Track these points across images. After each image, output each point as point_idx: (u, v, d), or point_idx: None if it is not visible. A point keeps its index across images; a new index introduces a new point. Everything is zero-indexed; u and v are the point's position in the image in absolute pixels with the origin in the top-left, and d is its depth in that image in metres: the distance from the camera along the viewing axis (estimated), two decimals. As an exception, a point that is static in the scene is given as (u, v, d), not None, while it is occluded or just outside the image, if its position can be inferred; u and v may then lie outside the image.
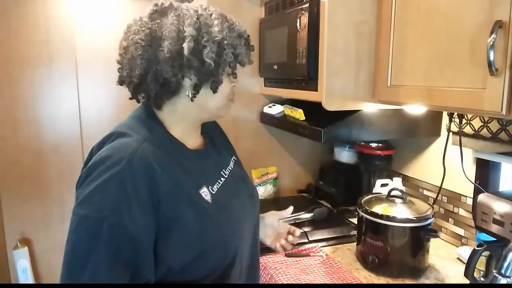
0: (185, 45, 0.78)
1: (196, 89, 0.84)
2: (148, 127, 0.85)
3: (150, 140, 0.82)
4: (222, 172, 0.95)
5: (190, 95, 0.84)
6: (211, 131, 1.03)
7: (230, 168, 1.00)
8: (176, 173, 0.81)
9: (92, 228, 0.72)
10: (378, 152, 1.70)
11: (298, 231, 1.15)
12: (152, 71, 0.80)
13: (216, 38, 0.80)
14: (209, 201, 0.85)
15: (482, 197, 1.07)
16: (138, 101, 0.90)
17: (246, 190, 1.02)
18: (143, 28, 0.81)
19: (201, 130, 0.98)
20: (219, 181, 0.92)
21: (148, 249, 0.76)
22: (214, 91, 0.84)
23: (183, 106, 0.87)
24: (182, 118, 0.89)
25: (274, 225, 1.16)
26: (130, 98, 0.90)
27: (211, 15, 0.83)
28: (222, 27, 0.82)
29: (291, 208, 1.17)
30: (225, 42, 0.82)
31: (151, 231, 0.76)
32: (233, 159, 1.05)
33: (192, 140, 0.92)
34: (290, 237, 1.13)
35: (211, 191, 0.87)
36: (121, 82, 0.88)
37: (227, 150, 1.06)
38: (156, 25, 0.81)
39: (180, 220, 0.79)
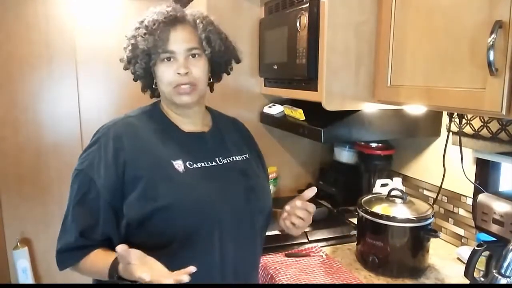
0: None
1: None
2: (144, 110, 1.02)
3: (137, 117, 0.99)
4: (216, 158, 1.00)
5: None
6: (227, 128, 1.11)
7: (231, 160, 1.03)
8: (151, 143, 0.95)
9: (75, 178, 0.94)
10: (378, 152, 1.70)
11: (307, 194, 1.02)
12: None
13: (127, 39, 0.97)
14: (180, 171, 0.93)
15: (482, 197, 1.07)
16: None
17: (245, 182, 1.02)
18: None
19: (212, 123, 1.07)
20: (207, 163, 0.98)
21: (106, 204, 0.90)
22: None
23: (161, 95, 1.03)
24: (165, 106, 1.02)
25: (285, 208, 1.05)
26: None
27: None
28: (133, 27, 0.96)
29: (314, 189, 1.02)
30: (129, 38, 0.96)
31: (111, 189, 0.90)
32: (244, 156, 1.07)
33: (189, 125, 1.02)
34: (287, 207, 1.03)
35: (188, 165, 0.95)
36: None
37: (240, 148, 1.09)
38: None
39: (141, 179, 0.90)
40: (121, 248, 0.73)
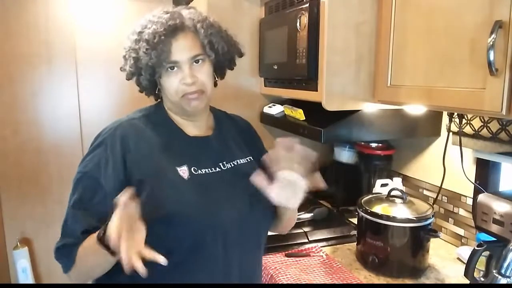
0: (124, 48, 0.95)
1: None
2: (148, 112, 1.00)
3: (141, 119, 0.96)
4: (220, 163, 0.99)
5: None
6: (229, 128, 1.09)
7: (236, 163, 1.01)
8: (155, 147, 0.92)
9: (78, 180, 0.90)
10: (378, 152, 1.70)
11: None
12: None
13: (126, 51, 0.95)
14: (185, 178, 0.91)
15: (482, 197, 1.07)
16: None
17: (249, 186, 0.97)
18: None
19: (214, 124, 1.06)
20: (211, 169, 0.96)
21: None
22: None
23: (164, 100, 1.01)
24: (169, 110, 1.00)
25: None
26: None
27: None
28: (132, 39, 0.93)
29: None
30: (129, 50, 0.94)
31: (120, 190, 0.80)
32: (248, 158, 1.06)
33: (193, 128, 1.00)
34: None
35: (193, 171, 0.93)
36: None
37: (243, 149, 1.07)
38: None
39: (145, 184, 0.87)
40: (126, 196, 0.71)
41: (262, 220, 1.02)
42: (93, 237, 0.81)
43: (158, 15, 0.92)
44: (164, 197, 0.87)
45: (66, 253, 0.88)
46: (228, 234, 0.92)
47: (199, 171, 0.93)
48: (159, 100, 1.04)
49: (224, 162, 0.99)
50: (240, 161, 1.03)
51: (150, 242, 0.83)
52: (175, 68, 0.92)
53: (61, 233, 0.91)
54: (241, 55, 1.06)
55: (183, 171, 0.91)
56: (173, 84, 0.92)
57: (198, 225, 0.88)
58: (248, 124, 1.17)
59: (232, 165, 1.00)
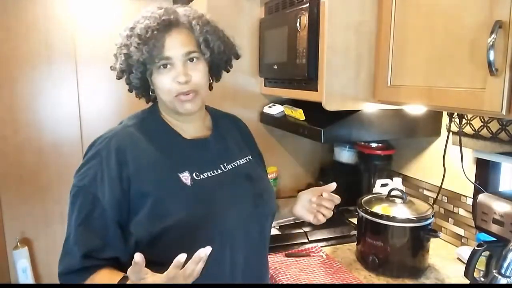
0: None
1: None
2: (143, 117, 0.97)
3: (137, 126, 0.93)
4: (221, 165, 0.97)
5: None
6: (227, 128, 1.07)
7: (236, 164, 1.00)
8: (154, 156, 0.89)
9: (75, 195, 0.87)
10: (378, 152, 1.70)
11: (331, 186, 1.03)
12: None
13: (118, 47, 0.92)
14: (188, 184, 0.89)
15: (482, 197, 1.07)
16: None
17: (252, 187, 0.99)
18: None
19: (212, 124, 1.03)
20: (213, 171, 0.94)
21: (114, 222, 0.85)
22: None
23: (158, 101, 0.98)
24: (164, 112, 0.97)
25: (311, 200, 1.06)
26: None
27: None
28: (124, 35, 0.91)
29: (334, 185, 1.04)
30: (120, 46, 0.91)
31: (117, 205, 0.85)
32: (247, 158, 1.05)
33: (191, 130, 0.98)
34: (313, 199, 1.04)
35: (195, 177, 0.90)
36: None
37: (242, 149, 1.06)
38: None
39: (148, 196, 0.85)
40: (139, 257, 0.66)
41: (266, 219, 1.02)
42: (104, 276, 0.82)
43: (152, 10, 0.89)
44: (168, 207, 0.85)
45: (70, 280, 0.86)
46: (234, 236, 0.91)
47: (201, 175, 0.91)
48: (152, 103, 1.02)
49: (225, 164, 0.97)
50: (240, 162, 1.01)
51: (161, 251, 0.82)
52: (168, 66, 0.87)
53: (63, 250, 0.88)
54: (237, 56, 1.03)
55: (185, 178, 0.89)
56: (165, 83, 0.88)
57: (205, 232, 0.87)
58: (244, 123, 1.16)
59: (233, 166, 0.99)
